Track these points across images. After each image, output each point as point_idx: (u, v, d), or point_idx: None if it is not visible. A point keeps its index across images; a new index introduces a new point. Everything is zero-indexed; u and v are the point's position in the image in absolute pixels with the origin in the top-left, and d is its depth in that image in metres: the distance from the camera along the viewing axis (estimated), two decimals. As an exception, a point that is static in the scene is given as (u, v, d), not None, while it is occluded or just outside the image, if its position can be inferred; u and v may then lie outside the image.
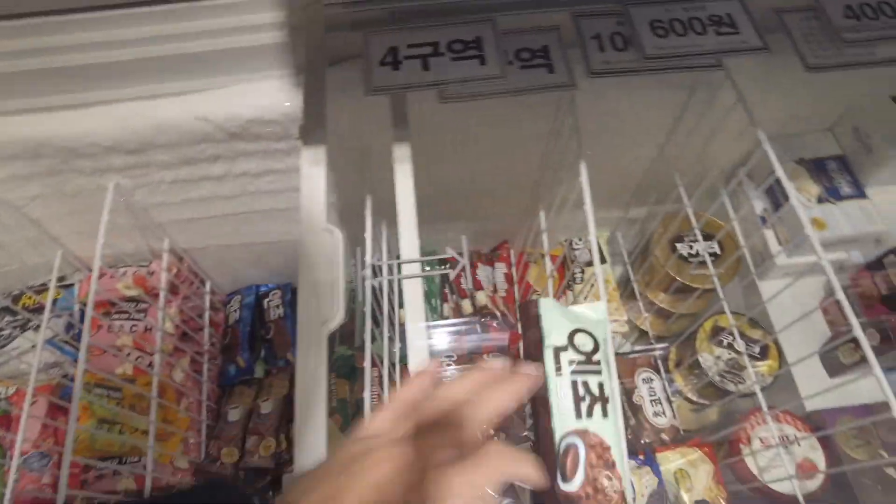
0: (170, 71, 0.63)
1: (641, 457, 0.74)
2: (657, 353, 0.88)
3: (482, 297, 0.92)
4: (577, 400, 0.42)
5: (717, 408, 0.93)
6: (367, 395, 0.57)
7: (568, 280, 0.95)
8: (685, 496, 0.71)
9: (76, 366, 0.81)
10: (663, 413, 0.81)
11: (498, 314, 0.91)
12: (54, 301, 0.85)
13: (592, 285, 0.95)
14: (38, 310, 0.84)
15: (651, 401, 0.82)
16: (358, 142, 0.75)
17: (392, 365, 0.88)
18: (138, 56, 0.61)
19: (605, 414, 0.42)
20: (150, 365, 0.80)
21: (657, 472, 0.72)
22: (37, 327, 0.85)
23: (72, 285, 0.89)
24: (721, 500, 0.70)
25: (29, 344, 0.84)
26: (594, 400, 0.42)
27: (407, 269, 0.51)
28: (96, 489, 0.77)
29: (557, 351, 0.44)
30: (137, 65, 0.61)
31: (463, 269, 0.93)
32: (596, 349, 0.45)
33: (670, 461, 0.73)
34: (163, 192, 0.76)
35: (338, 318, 0.43)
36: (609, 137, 0.75)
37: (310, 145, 0.52)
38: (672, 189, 0.83)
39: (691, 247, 0.85)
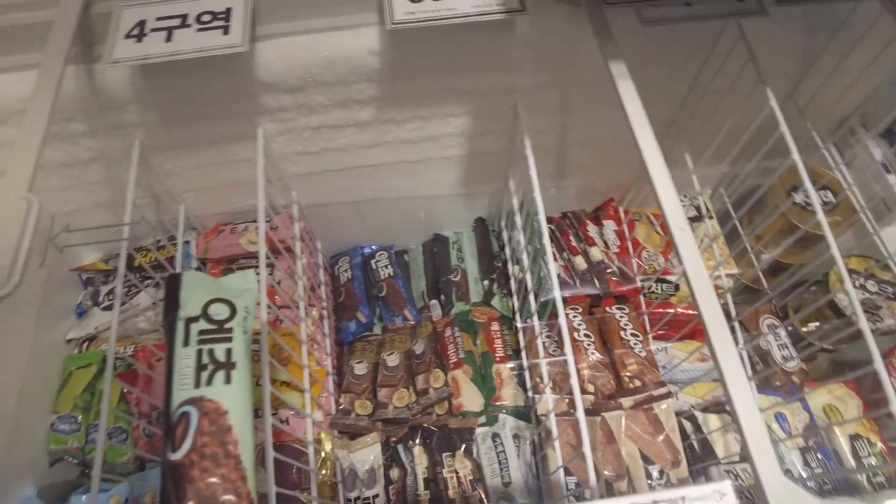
0: (343, 2, 0.63)
1: (783, 393, 0.75)
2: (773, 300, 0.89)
3: (597, 253, 0.93)
4: (199, 369, 0.43)
5: (826, 357, 0.94)
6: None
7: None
8: (837, 430, 0.72)
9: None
10: (791, 357, 0.82)
11: (615, 268, 0.91)
12: (171, 259, 0.85)
13: (702, 240, 0.96)
14: (157, 267, 0.82)
15: (778, 345, 0.83)
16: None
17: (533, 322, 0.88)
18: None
19: (227, 380, 0.43)
20: (279, 319, 0.80)
21: (807, 408, 0.73)
22: (156, 284, 0.84)
23: (188, 242, 0.88)
24: (874, 434, 0.71)
25: (150, 301, 0.83)
26: (218, 367, 0.43)
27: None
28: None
29: (189, 322, 0.45)
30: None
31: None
32: (232, 317, 0.46)
33: (817, 397, 0.74)
34: (304, 139, 0.76)
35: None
36: (740, 83, 0.76)
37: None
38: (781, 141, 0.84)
39: (807, 196, 0.87)
